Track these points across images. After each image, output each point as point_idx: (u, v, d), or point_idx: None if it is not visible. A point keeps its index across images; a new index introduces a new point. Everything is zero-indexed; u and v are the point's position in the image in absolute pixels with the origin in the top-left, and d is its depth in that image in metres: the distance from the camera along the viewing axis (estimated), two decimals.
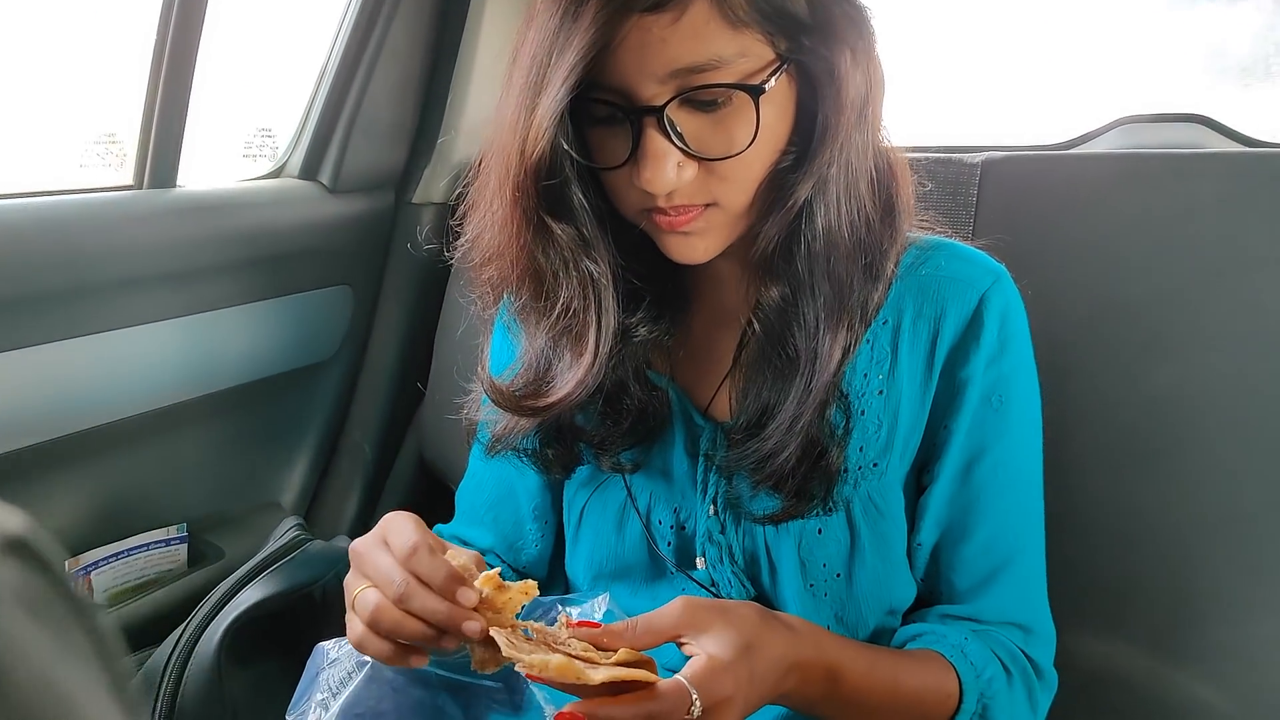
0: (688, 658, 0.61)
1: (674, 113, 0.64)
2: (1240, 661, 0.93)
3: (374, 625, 0.63)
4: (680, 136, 0.65)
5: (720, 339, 0.79)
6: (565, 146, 0.66)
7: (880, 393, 0.75)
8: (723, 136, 0.65)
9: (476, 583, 0.60)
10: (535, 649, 0.58)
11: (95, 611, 0.18)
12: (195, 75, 1.16)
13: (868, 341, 0.76)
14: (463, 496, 0.95)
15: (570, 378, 0.73)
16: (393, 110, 1.42)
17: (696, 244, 0.70)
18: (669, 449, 0.80)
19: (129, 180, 1.19)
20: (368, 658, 0.68)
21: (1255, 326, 0.94)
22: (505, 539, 0.91)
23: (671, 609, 0.61)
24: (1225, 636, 0.93)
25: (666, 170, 0.64)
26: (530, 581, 0.62)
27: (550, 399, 0.74)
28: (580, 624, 0.61)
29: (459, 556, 0.65)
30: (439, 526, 0.95)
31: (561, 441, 0.81)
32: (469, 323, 0.88)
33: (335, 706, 0.70)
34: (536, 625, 0.62)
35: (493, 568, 0.87)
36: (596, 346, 0.72)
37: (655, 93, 0.63)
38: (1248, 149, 1.19)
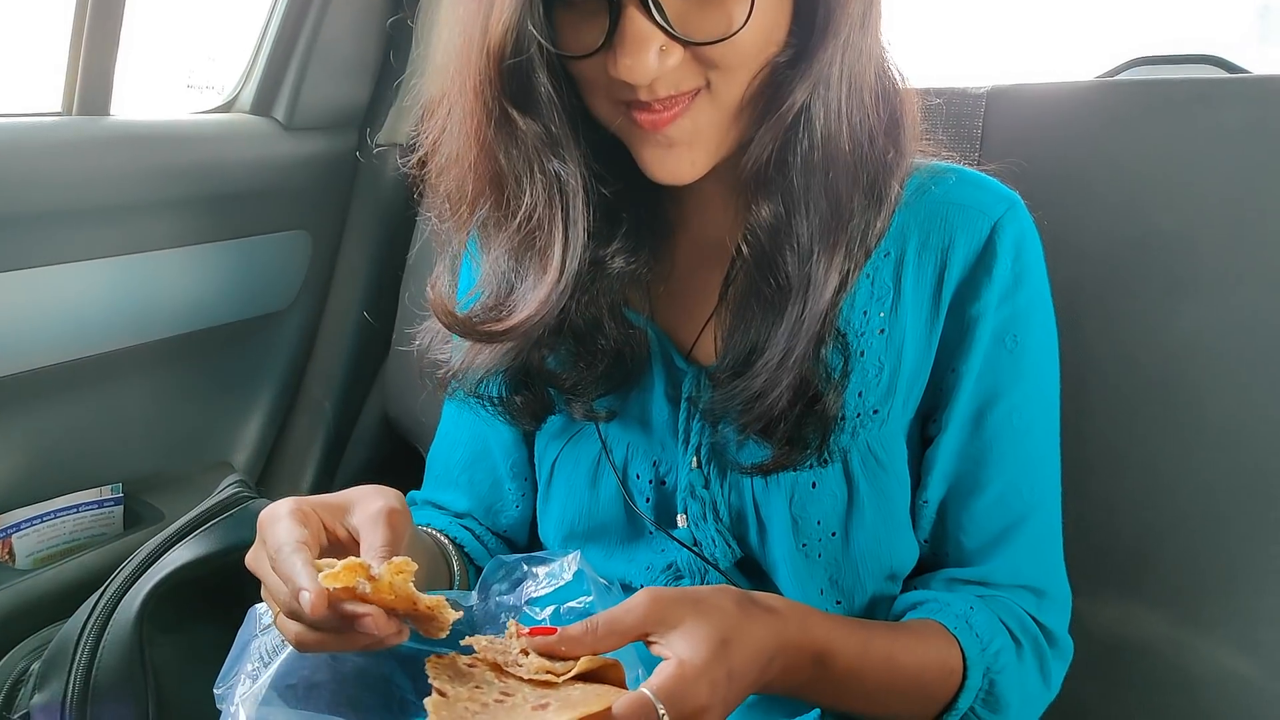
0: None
1: None
2: (1274, 628, 0.88)
3: (303, 647, 0.56)
4: (664, 16, 0.57)
5: (705, 275, 0.73)
6: (531, 27, 0.58)
7: (881, 331, 0.69)
8: (714, 16, 0.58)
9: (323, 578, 0.51)
10: (472, 689, 0.51)
11: None
12: None
13: (867, 275, 0.69)
14: (435, 458, 0.89)
15: (533, 298, 0.66)
16: (354, 42, 1.33)
17: (682, 156, 0.63)
18: (647, 395, 0.74)
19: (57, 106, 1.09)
20: None
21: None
22: (483, 501, 0.86)
23: (636, 604, 0.55)
24: (1257, 601, 0.89)
25: (648, 56, 0.57)
26: (404, 559, 0.53)
27: (510, 321, 0.67)
28: (533, 631, 0.55)
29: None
30: (412, 494, 0.90)
31: (530, 387, 0.74)
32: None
33: (265, 677, 0.62)
34: (483, 641, 0.55)
35: (460, 541, 0.82)
36: (563, 262, 0.65)
37: None
38: (1272, 75, 1.12)
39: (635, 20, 0.57)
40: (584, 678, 0.53)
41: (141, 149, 1.12)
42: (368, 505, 0.58)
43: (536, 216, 0.65)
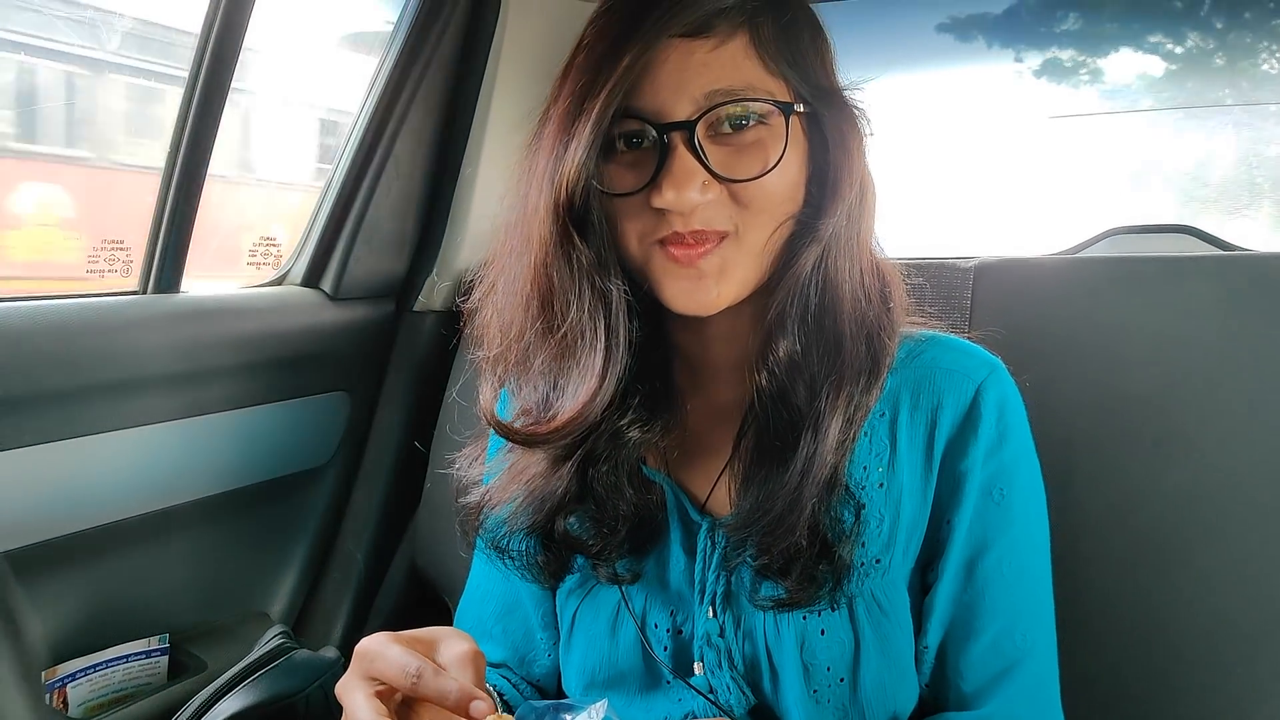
0: None
1: (701, 137, 0.67)
2: None
3: None
4: (707, 157, 0.67)
5: (716, 434, 0.79)
6: (590, 174, 0.68)
7: (881, 485, 0.75)
8: (748, 162, 0.68)
9: None
10: None
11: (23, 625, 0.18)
12: (204, 188, 1.20)
13: (865, 434, 0.75)
14: (466, 611, 0.92)
15: (574, 403, 0.72)
16: (396, 221, 1.46)
17: (709, 287, 0.70)
18: (664, 548, 0.79)
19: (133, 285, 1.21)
20: None
21: (1261, 423, 0.95)
22: (517, 651, 0.89)
23: None
24: None
25: (692, 188, 0.66)
26: None
27: (553, 424, 0.72)
28: None
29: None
30: None
31: (553, 550, 0.79)
32: (467, 431, 0.87)
33: None
34: None
35: (499, 690, 0.86)
36: (605, 369, 0.71)
37: (689, 111, 0.67)
38: (1236, 253, 1.21)
39: (682, 157, 0.67)
40: None
41: (206, 322, 1.22)
42: (453, 645, 0.62)
43: (580, 326, 0.71)
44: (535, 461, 0.77)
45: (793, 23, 0.71)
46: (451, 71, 1.45)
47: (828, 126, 0.71)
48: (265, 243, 1.44)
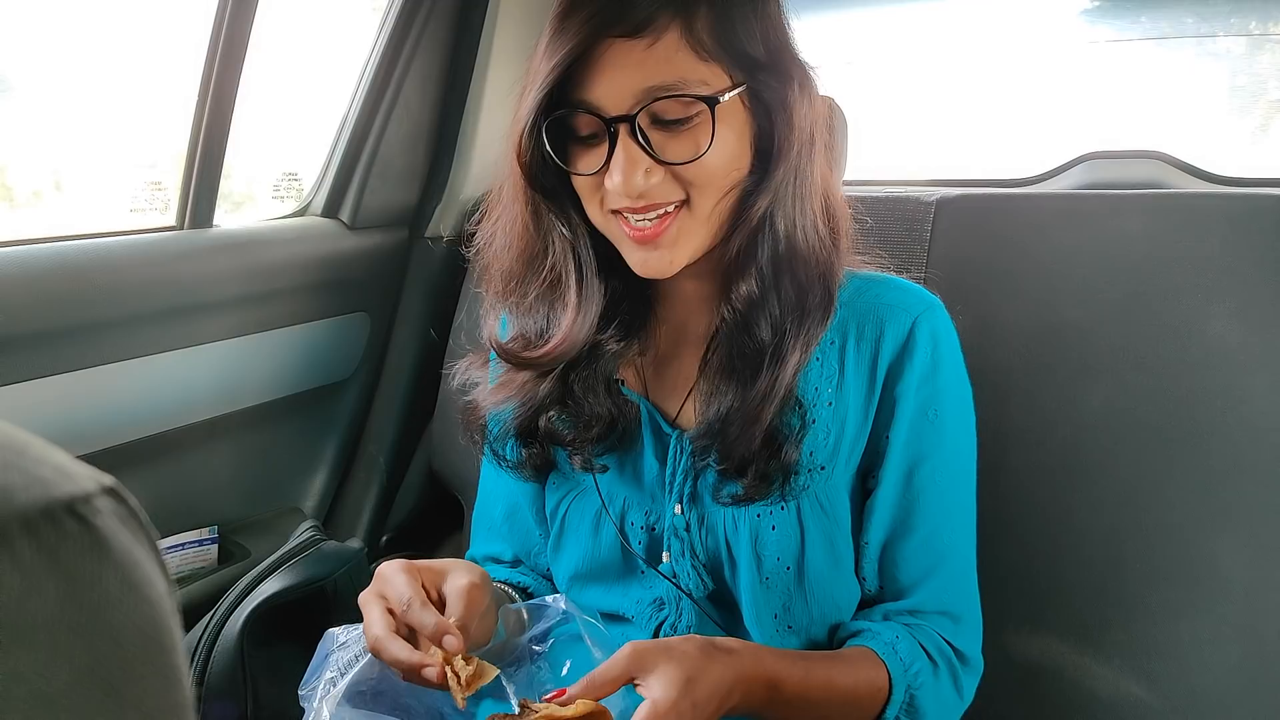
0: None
1: (644, 126, 0.75)
2: (1165, 660, 1.01)
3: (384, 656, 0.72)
4: (649, 144, 0.75)
5: (687, 358, 0.89)
6: (548, 151, 0.78)
7: (829, 404, 0.85)
8: (686, 143, 0.76)
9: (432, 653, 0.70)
10: None
11: (155, 540, 0.28)
12: (231, 129, 1.30)
13: (818, 359, 0.85)
14: (480, 515, 1.02)
15: (559, 332, 0.84)
16: (406, 155, 1.56)
17: (664, 256, 0.78)
18: (639, 457, 0.89)
19: (172, 222, 1.33)
20: None
21: (1175, 350, 1.03)
22: (524, 547, 0.99)
23: (620, 656, 0.69)
24: (1151, 636, 1.02)
25: (636, 173, 0.75)
26: (490, 668, 0.71)
27: (542, 350, 0.85)
28: (548, 699, 0.69)
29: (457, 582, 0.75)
30: (470, 553, 1.05)
31: (536, 445, 0.90)
32: (477, 346, 0.96)
33: (342, 684, 0.79)
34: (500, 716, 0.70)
35: (523, 585, 0.97)
36: (580, 302, 0.83)
37: (629, 106, 0.74)
38: (1172, 190, 1.28)
39: (627, 145, 0.74)
40: None
41: (238, 253, 1.34)
42: (457, 579, 0.75)
43: (559, 269, 0.83)
44: (526, 374, 0.89)
45: (726, 2, 0.74)
46: (456, 10, 1.53)
47: (768, 94, 0.77)
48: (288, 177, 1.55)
